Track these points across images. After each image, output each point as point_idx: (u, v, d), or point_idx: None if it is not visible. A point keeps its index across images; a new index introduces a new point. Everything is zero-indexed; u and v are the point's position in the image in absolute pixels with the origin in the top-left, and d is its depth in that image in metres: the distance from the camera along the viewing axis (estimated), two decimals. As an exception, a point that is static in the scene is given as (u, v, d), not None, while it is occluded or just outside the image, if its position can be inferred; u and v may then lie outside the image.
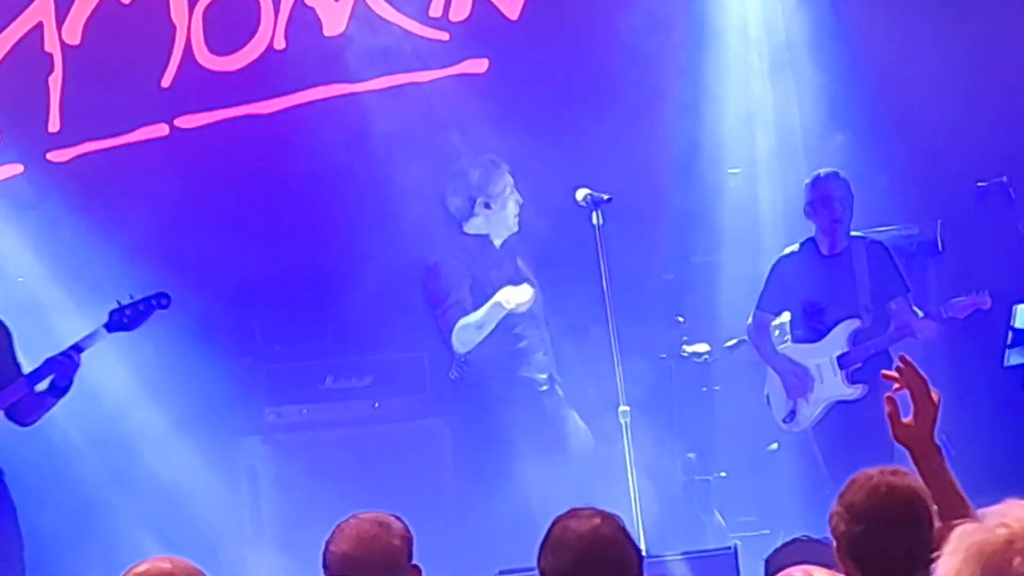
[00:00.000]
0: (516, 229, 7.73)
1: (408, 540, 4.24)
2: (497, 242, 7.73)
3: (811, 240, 7.91)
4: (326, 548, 4.28)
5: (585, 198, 7.40)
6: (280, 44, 8.62)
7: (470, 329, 7.71)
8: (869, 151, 8.62)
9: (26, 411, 7.12)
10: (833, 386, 8.06)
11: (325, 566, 4.28)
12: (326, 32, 8.57)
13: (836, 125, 8.67)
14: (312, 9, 8.54)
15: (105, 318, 7.28)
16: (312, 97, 8.65)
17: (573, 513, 4.01)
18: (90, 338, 7.23)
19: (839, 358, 8.04)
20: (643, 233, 8.42)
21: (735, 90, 8.82)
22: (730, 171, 8.81)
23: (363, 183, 8.34)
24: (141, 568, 3.70)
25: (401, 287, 8.04)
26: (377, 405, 8.39)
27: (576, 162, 8.15)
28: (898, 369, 3.86)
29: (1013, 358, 7.82)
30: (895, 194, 8.63)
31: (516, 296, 7.57)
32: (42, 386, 7.08)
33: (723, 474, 8.64)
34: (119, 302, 7.31)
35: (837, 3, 8.71)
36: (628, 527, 4.04)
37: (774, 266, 8.10)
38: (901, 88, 8.57)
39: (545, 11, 8.73)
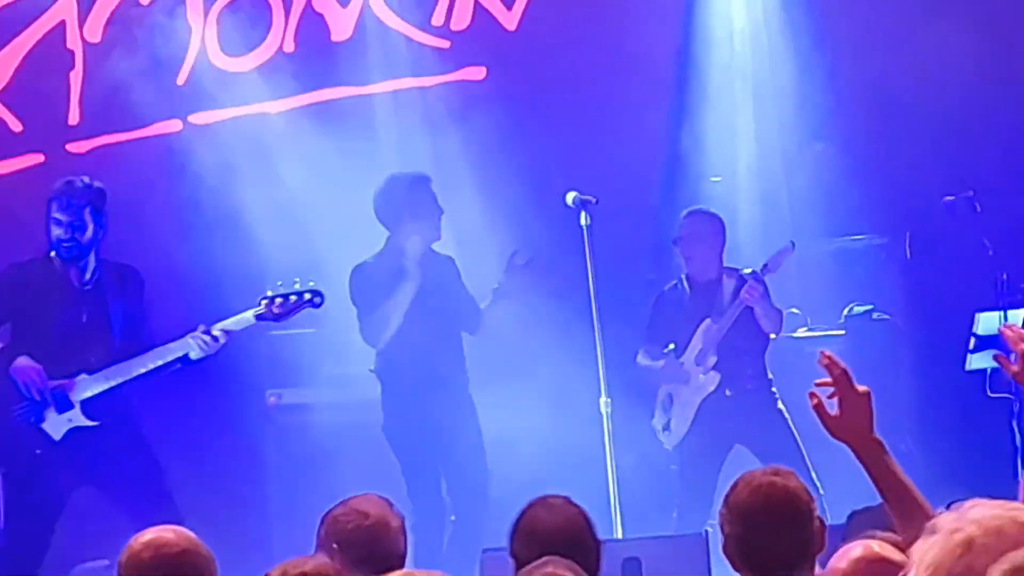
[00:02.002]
0: (439, 238, 7.82)
1: (403, 520, 4.44)
2: (420, 250, 7.84)
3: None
4: (329, 522, 4.39)
5: (574, 200, 7.44)
6: (290, 47, 8.71)
7: (374, 328, 7.94)
8: (844, 161, 8.75)
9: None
10: (696, 385, 8.23)
11: (327, 537, 4.37)
12: (334, 37, 8.72)
13: (816, 135, 8.80)
14: (321, 15, 8.68)
15: (256, 306, 7.29)
16: (319, 98, 8.76)
17: (543, 501, 4.29)
18: (237, 323, 7.29)
19: (696, 356, 8.22)
20: (629, 234, 8.43)
21: (719, 100, 8.93)
22: (712, 179, 8.84)
23: (360, 182, 8.26)
24: (146, 537, 3.84)
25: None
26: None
27: (567, 165, 8.32)
28: (823, 363, 3.76)
29: (975, 363, 7.93)
30: (867, 205, 8.77)
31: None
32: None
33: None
34: (271, 292, 7.32)
35: (818, 16, 8.77)
36: (591, 516, 4.26)
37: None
38: (879, 101, 8.72)
39: (542, 23, 8.83)
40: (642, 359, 8.15)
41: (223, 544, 4.24)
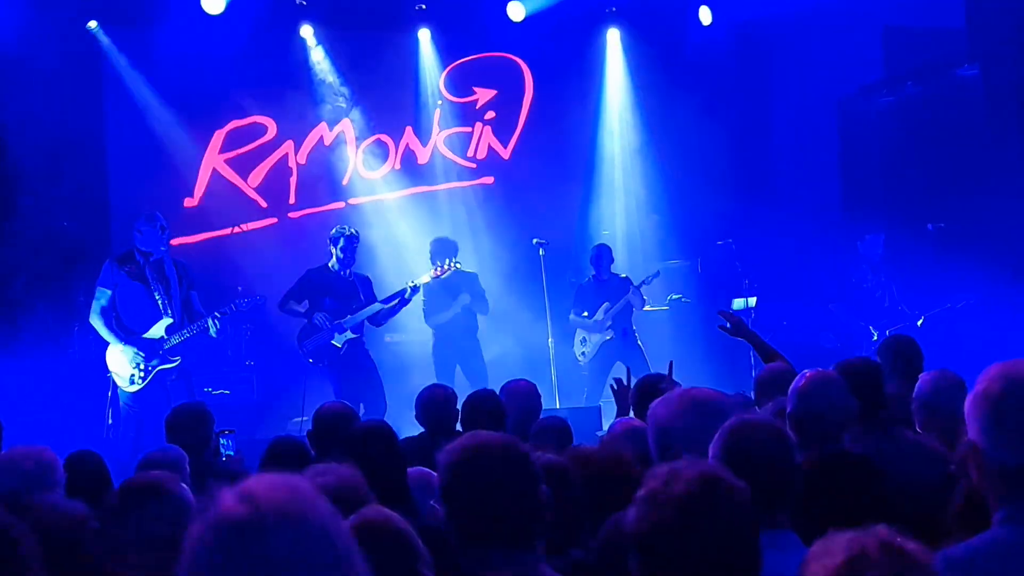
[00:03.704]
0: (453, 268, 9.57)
1: (454, 393, 5.67)
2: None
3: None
4: (419, 397, 5.63)
5: (535, 242, 10.17)
6: (397, 166, 11.84)
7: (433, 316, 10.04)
8: (667, 222, 11.78)
9: (381, 323, 9.51)
10: (600, 334, 10.49)
11: (417, 407, 5.60)
12: (419, 161, 11.83)
13: (654, 209, 11.82)
14: (413, 151, 11.77)
15: (407, 291, 9.34)
16: (412, 192, 11.73)
17: (512, 382, 5.74)
18: (418, 283, 9.30)
19: (600, 320, 10.25)
20: (562, 258, 11.02)
21: (607, 189, 12.00)
22: (603, 232, 11.68)
23: (433, 234, 10.49)
24: (325, 406, 4.62)
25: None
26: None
27: (534, 224, 10.94)
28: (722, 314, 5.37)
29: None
30: (680, 244, 11.82)
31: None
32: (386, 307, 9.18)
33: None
34: (410, 284, 9.36)
35: (656, 142, 11.70)
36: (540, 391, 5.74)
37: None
38: (678, 175, 11.69)
39: (521, 155, 11.97)
40: (572, 318, 10.74)
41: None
